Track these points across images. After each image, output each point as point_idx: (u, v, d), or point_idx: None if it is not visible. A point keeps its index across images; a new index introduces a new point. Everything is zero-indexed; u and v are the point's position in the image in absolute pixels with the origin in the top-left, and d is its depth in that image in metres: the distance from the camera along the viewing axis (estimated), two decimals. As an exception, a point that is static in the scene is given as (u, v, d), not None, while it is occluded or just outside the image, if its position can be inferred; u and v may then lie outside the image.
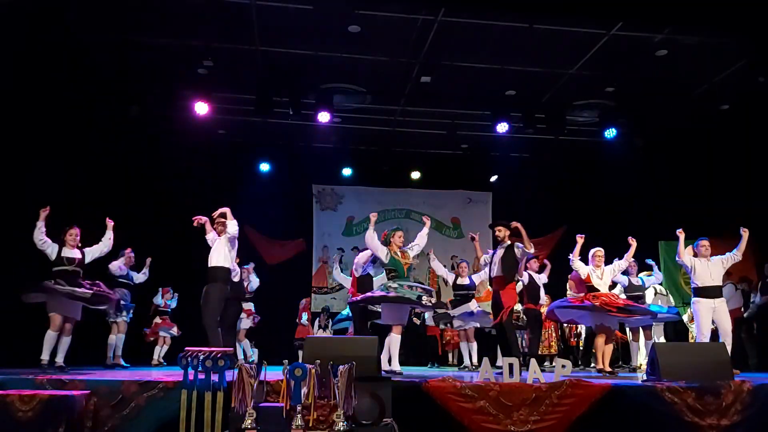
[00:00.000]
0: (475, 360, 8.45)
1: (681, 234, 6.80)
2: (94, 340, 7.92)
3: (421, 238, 6.70)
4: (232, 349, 4.61)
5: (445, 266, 8.84)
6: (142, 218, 9.68)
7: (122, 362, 7.92)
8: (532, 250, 6.83)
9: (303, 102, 9.01)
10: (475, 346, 8.59)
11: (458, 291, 8.48)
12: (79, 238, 6.66)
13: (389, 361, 6.33)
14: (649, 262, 8.33)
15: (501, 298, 6.67)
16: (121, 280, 8.06)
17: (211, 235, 6.54)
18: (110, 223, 6.91)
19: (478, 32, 7.55)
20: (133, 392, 4.32)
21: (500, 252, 6.82)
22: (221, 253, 6.37)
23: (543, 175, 11.62)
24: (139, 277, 8.38)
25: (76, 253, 6.56)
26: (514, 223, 6.82)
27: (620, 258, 7.12)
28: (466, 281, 8.44)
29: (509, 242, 6.84)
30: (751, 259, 9.72)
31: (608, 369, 6.59)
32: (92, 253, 6.72)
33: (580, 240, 6.99)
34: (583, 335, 9.46)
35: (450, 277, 8.56)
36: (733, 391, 4.57)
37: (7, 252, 7.80)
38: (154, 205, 9.97)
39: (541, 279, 8.67)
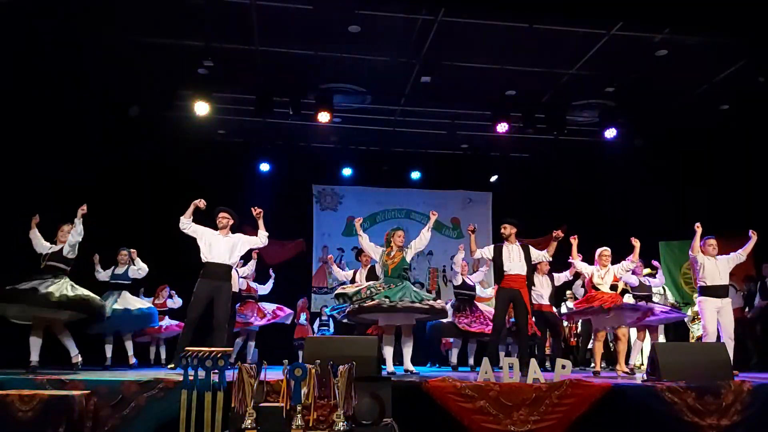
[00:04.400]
0: (471, 360, 8.50)
1: (699, 228, 6.75)
2: (95, 339, 7.90)
3: (422, 237, 6.48)
4: (231, 348, 4.60)
5: (444, 266, 8.84)
6: (142, 218, 9.68)
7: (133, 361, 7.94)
8: (549, 258, 6.81)
9: (303, 102, 9.01)
10: (473, 346, 8.61)
11: (460, 290, 8.45)
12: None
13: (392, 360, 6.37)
14: (655, 263, 8.32)
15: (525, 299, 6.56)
16: (116, 281, 7.94)
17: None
18: (81, 211, 6.42)
19: (478, 32, 7.55)
20: (133, 392, 4.32)
21: (518, 250, 6.68)
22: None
23: (543, 175, 11.62)
24: (135, 272, 7.94)
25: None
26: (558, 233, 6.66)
27: (625, 258, 7.13)
28: (467, 281, 8.44)
29: (517, 242, 6.74)
30: (751, 260, 9.73)
31: (598, 369, 6.65)
32: (68, 243, 6.35)
33: (574, 241, 7.05)
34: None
35: (458, 278, 8.52)
36: (733, 391, 4.57)
37: (6, 252, 7.80)
38: (153, 205, 9.96)
39: (558, 279, 8.62)
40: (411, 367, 6.24)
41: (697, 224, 6.78)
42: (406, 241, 6.61)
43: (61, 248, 6.39)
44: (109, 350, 7.82)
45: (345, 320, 7.43)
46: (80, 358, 6.35)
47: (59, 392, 4.19)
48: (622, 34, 7.51)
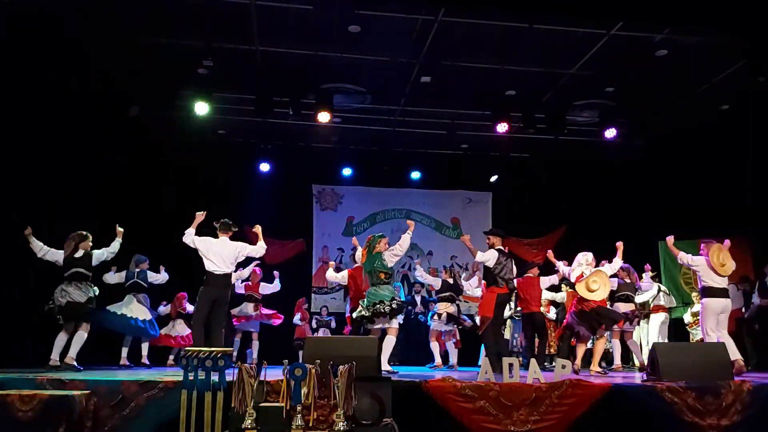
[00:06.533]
0: (453, 360, 8.71)
1: (670, 240, 6.91)
2: (99, 340, 7.90)
3: (404, 242, 6.62)
4: (231, 349, 4.62)
5: (438, 269, 9.05)
6: (142, 218, 9.67)
7: (127, 362, 8.07)
8: (477, 258, 7.12)
9: (303, 102, 9.01)
10: (453, 345, 8.80)
11: (442, 293, 8.64)
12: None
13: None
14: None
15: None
16: (133, 281, 8.06)
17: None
18: (120, 231, 7.08)
19: (478, 32, 7.55)
20: (133, 392, 4.32)
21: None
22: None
23: (543, 175, 11.61)
24: (157, 277, 8.37)
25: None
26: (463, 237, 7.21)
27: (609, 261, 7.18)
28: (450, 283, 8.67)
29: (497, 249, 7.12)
30: (750, 259, 9.74)
31: (597, 369, 6.66)
32: (98, 257, 6.84)
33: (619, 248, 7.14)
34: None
35: (437, 283, 8.72)
36: (733, 391, 4.57)
37: (9, 253, 7.80)
38: (153, 205, 9.96)
39: (544, 282, 8.66)
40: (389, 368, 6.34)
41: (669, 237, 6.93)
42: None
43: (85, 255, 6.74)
44: (125, 350, 7.94)
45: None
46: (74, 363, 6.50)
47: (59, 392, 4.19)
48: (622, 34, 7.50)
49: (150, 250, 8.62)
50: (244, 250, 6.71)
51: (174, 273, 9.05)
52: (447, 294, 8.57)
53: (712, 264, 6.57)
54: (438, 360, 8.67)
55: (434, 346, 8.71)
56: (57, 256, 6.70)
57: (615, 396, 4.51)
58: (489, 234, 7.56)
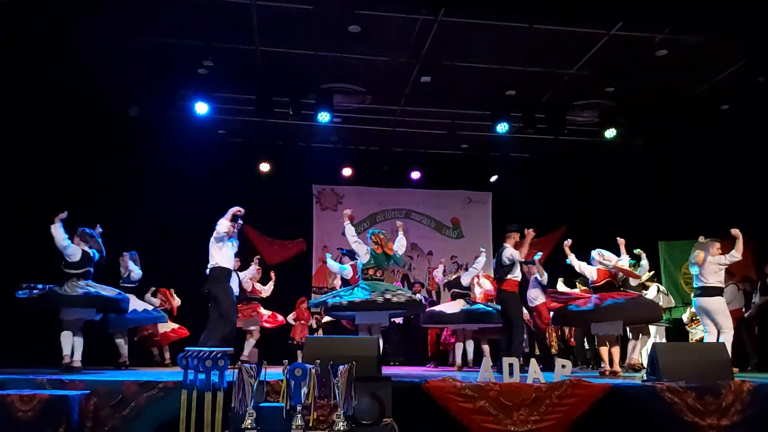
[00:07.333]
0: (469, 359, 8.57)
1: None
2: (99, 340, 7.91)
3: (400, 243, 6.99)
4: (232, 348, 4.62)
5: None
6: (142, 218, 9.68)
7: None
8: (521, 258, 7.09)
9: (303, 102, 9.00)
10: (471, 345, 8.64)
11: (455, 289, 8.59)
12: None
13: None
14: (637, 251, 8.25)
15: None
16: (125, 285, 8.05)
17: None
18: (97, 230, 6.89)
19: (478, 32, 7.55)
20: (133, 392, 4.32)
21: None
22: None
23: (543, 175, 11.61)
24: (136, 273, 8.23)
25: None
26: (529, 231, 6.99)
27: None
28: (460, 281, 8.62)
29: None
30: (750, 260, 9.73)
31: (616, 369, 6.63)
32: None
33: (567, 248, 7.21)
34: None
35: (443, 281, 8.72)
36: (733, 391, 4.57)
37: (9, 253, 7.81)
38: (153, 205, 9.96)
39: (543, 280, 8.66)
40: None
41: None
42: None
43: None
44: (124, 349, 7.92)
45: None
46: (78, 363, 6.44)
47: (59, 392, 4.19)
48: (622, 34, 7.51)
49: (149, 250, 8.62)
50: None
51: (173, 272, 9.07)
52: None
53: None
54: (458, 361, 8.54)
55: (459, 347, 8.60)
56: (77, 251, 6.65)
57: (615, 396, 4.52)
58: (512, 232, 7.20)
